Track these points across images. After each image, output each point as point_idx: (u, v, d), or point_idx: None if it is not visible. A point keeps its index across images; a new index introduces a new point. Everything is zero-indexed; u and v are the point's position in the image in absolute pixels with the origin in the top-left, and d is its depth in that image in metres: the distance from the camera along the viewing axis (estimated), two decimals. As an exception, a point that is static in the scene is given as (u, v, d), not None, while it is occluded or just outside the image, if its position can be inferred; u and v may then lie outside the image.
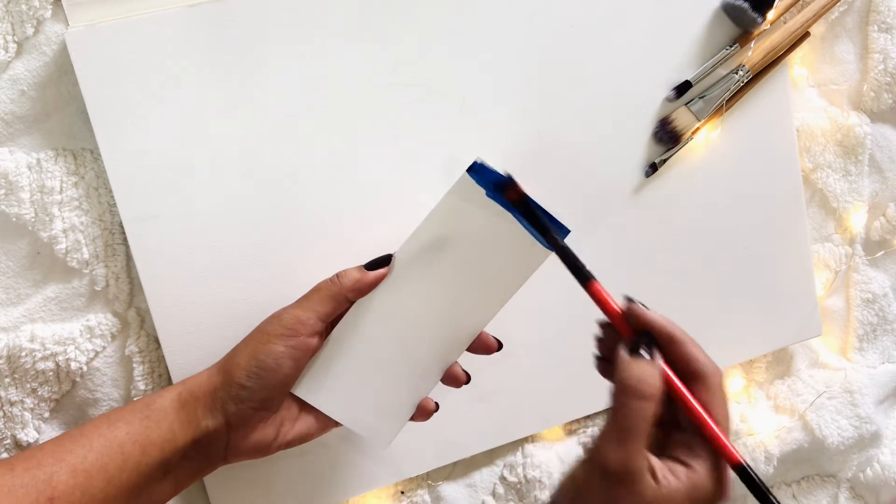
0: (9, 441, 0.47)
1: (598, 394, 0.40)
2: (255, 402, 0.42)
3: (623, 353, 0.36)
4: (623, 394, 0.35)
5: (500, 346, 0.46)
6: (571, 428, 0.59)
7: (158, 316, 0.47)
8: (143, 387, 0.49)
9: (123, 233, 0.47)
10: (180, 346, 0.48)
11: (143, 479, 0.41)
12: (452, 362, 0.46)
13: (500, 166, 0.42)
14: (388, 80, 0.50)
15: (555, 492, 0.38)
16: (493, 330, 0.46)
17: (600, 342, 0.41)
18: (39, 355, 0.46)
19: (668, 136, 0.55)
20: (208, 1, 0.46)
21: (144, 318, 0.49)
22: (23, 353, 0.46)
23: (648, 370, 0.36)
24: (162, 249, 0.47)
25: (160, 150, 0.46)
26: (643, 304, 0.38)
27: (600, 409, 0.58)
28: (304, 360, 0.44)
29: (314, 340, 0.44)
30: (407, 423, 0.47)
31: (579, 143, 0.54)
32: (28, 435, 0.47)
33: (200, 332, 0.48)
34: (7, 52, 0.44)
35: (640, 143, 0.55)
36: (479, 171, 0.42)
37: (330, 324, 0.45)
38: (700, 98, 0.55)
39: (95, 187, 0.47)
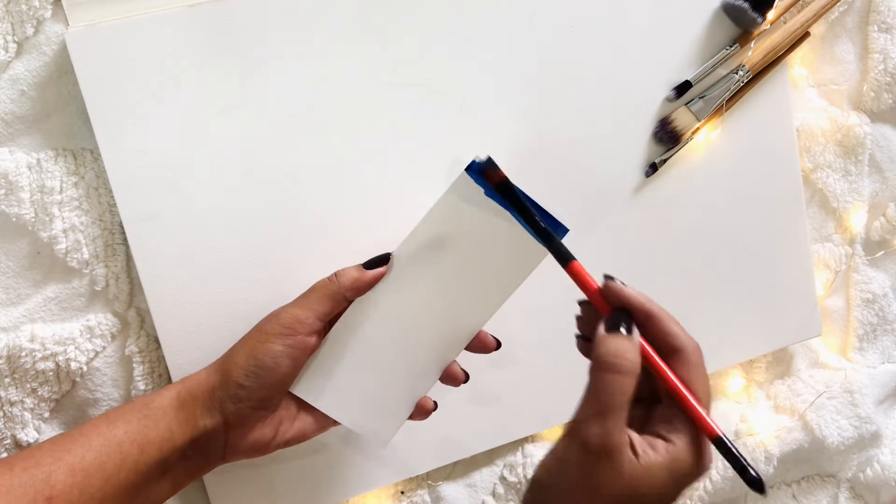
0: (9, 441, 0.47)
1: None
2: (253, 401, 0.42)
3: (601, 330, 0.37)
4: (601, 369, 0.35)
5: (498, 344, 0.46)
6: (571, 428, 0.59)
7: (158, 316, 0.47)
8: (143, 387, 0.49)
9: (123, 233, 0.47)
10: (180, 346, 0.48)
11: (141, 479, 0.41)
12: (451, 361, 0.46)
13: (500, 166, 0.42)
14: (388, 80, 0.50)
15: (536, 469, 0.38)
16: (493, 329, 0.46)
17: (580, 321, 0.42)
18: (39, 355, 0.46)
19: (668, 136, 0.55)
20: (208, 1, 0.46)
21: (144, 318, 0.49)
22: (23, 353, 0.46)
23: (626, 345, 0.36)
24: (162, 249, 0.47)
25: (160, 150, 0.46)
26: (622, 282, 0.38)
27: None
28: (302, 359, 0.44)
29: (312, 339, 0.44)
30: (406, 422, 0.47)
31: (579, 143, 0.54)
32: (28, 435, 0.47)
33: (200, 332, 0.48)
34: (7, 52, 0.44)
35: (640, 143, 0.55)
36: (476, 169, 0.42)
37: (328, 323, 0.45)
38: (700, 98, 0.55)
39: (95, 187, 0.47)
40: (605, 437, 0.34)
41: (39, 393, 0.47)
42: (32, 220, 0.46)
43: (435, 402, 0.47)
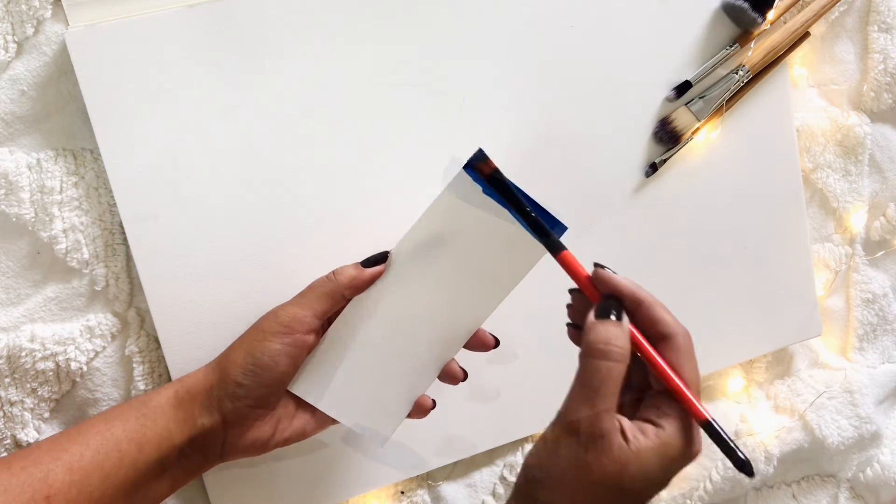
0: (9, 441, 0.47)
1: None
2: (251, 399, 0.42)
3: (591, 317, 0.37)
4: (591, 355, 0.36)
5: (497, 343, 0.47)
6: (571, 428, 0.59)
7: (158, 316, 0.47)
8: (143, 387, 0.49)
9: (123, 233, 0.47)
10: (180, 346, 0.48)
11: (139, 477, 0.41)
12: (450, 359, 0.46)
13: (500, 165, 0.42)
14: (388, 80, 0.50)
15: (528, 454, 0.38)
16: (492, 328, 0.46)
17: (571, 309, 0.42)
18: (39, 355, 0.46)
19: (668, 136, 0.55)
20: (208, 1, 0.46)
21: (144, 318, 0.49)
22: (23, 353, 0.46)
23: (615, 332, 0.36)
24: (162, 249, 0.47)
25: (160, 150, 0.46)
26: (611, 270, 0.39)
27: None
28: (300, 357, 0.44)
29: (311, 338, 0.44)
30: (405, 421, 0.47)
31: (579, 143, 0.54)
32: (28, 435, 0.47)
33: (200, 332, 0.48)
34: (7, 52, 0.44)
35: (640, 143, 0.55)
36: (468, 162, 0.42)
37: (327, 321, 0.45)
38: (700, 98, 0.55)
39: (95, 187, 0.47)
40: (594, 423, 0.35)
41: (39, 393, 0.47)
42: (32, 220, 0.46)
43: (434, 401, 0.47)
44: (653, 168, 0.55)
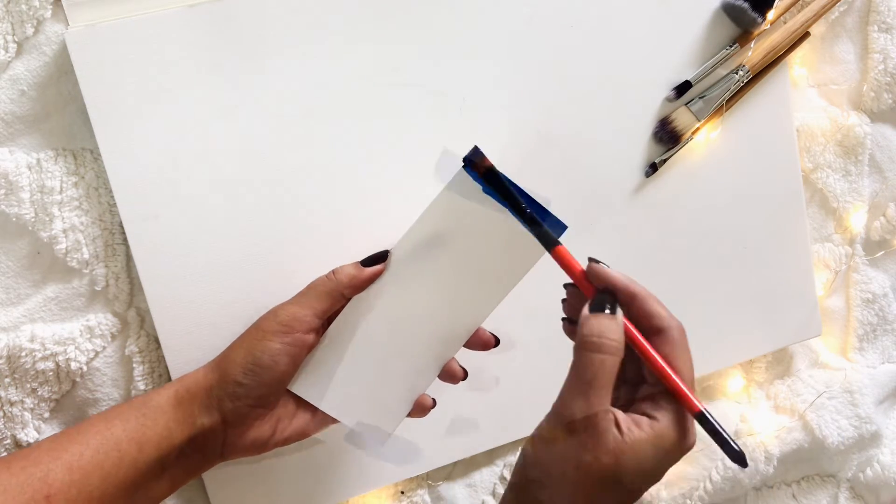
0: (9, 441, 0.47)
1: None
2: (251, 399, 0.42)
3: (585, 311, 0.38)
4: (585, 348, 0.36)
5: (497, 342, 0.47)
6: (571, 428, 0.59)
7: (158, 316, 0.47)
8: (143, 387, 0.49)
9: (123, 233, 0.47)
10: (180, 346, 0.48)
11: (139, 477, 0.41)
12: (449, 358, 0.46)
13: (500, 165, 0.42)
14: (388, 80, 0.50)
15: (524, 446, 0.39)
16: (492, 328, 0.46)
17: (566, 304, 0.43)
18: (39, 355, 0.46)
19: (668, 136, 0.55)
20: (208, 1, 0.46)
21: (144, 318, 0.49)
22: (23, 353, 0.46)
23: (609, 325, 0.37)
24: (162, 249, 0.47)
25: (160, 150, 0.46)
26: (605, 265, 0.39)
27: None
28: (300, 356, 0.44)
29: (310, 337, 0.44)
30: (405, 420, 0.47)
31: (579, 143, 0.54)
32: (28, 435, 0.47)
33: (200, 332, 0.48)
34: (7, 52, 0.44)
35: (640, 143, 0.55)
36: (463, 159, 0.42)
37: (327, 320, 0.45)
38: (700, 98, 0.55)
39: (95, 187, 0.47)
40: (589, 414, 0.35)
41: (39, 393, 0.47)
42: (32, 220, 0.46)
43: (434, 400, 0.47)
44: (653, 168, 0.55)
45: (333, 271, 0.44)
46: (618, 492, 0.36)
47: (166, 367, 0.49)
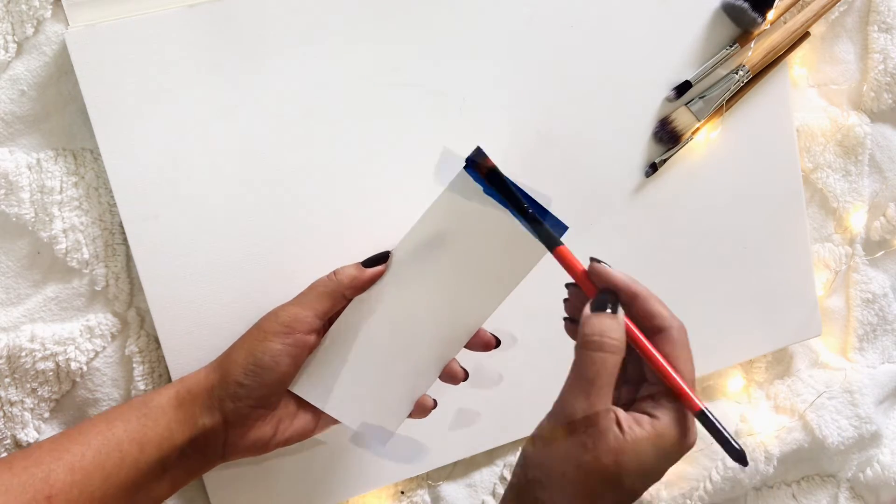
0: (9, 441, 0.47)
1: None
2: (252, 399, 0.42)
3: (587, 310, 0.38)
4: (586, 348, 0.37)
5: (498, 342, 0.47)
6: (571, 428, 0.59)
7: (158, 316, 0.47)
8: (143, 387, 0.49)
9: (123, 233, 0.47)
10: (180, 346, 0.48)
11: (141, 477, 0.41)
12: (450, 359, 0.46)
13: (501, 165, 0.42)
14: (388, 80, 0.50)
15: (525, 444, 0.39)
16: (494, 328, 0.46)
17: (568, 303, 0.43)
18: (39, 355, 0.46)
19: (668, 136, 0.55)
20: (208, 1, 0.46)
21: (144, 318, 0.49)
22: (23, 353, 0.46)
23: (610, 324, 0.37)
24: (162, 249, 0.47)
25: (160, 150, 0.46)
26: (607, 264, 0.39)
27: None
28: (301, 357, 0.44)
29: (312, 338, 0.44)
30: (405, 421, 0.47)
31: (579, 143, 0.54)
32: (28, 435, 0.47)
33: (200, 332, 0.48)
34: (7, 52, 0.44)
35: (640, 143, 0.55)
36: (466, 160, 0.42)
37: (328, 321, 0.45)
38: (700, 98, 0.55)
39: (95, 187, 0.47)
40: (590, 414, 0.35)
41: (39, 393, 0.47)
42: (32, 220, 0.46)
43: (434, 401, 0.47)
44: (653, 168, 0.55)
45: (334, 272, 0.44)
46: (618, 491, 0.36)
47: (166, 368, 0.48)
